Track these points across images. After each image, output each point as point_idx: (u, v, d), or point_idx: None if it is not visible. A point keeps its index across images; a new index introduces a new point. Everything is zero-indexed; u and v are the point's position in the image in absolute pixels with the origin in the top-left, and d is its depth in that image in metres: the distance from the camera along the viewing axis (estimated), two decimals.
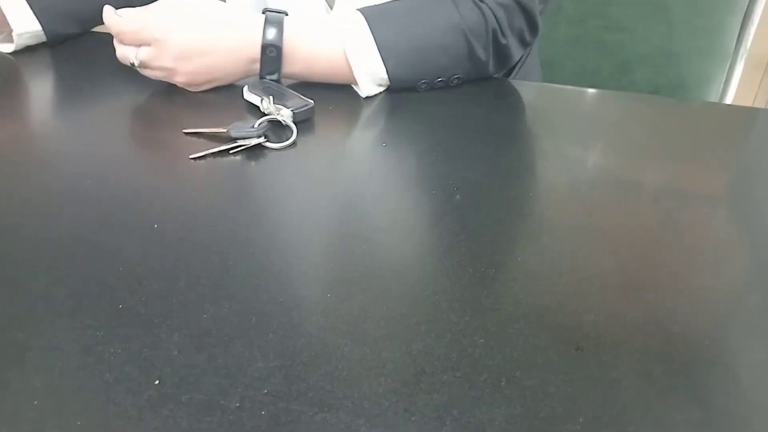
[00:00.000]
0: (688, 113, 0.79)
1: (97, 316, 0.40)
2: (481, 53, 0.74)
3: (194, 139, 0.63)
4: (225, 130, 0.62)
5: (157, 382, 0.36)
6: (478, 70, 0.76)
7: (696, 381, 0.38)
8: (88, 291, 0.43)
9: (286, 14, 0.71)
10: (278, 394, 0.35)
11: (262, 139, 0.61)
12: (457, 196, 0.55)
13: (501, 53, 0.76)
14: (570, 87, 0.83)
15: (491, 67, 0.76)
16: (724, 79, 1.24)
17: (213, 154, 0.60)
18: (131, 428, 0.33)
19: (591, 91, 0.81)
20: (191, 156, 0.60)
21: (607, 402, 0.36)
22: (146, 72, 0.71)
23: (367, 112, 0.71)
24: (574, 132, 0.70)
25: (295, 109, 0.65)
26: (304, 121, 0.66)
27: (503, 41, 0.74)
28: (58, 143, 0.64)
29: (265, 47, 0.70)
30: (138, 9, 0.68)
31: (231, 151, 0.60)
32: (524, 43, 0.78)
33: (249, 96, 0.69)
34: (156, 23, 0.68)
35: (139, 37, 0.68)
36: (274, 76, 0.72)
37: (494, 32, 0.73)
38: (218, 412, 0.34)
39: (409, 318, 0.41)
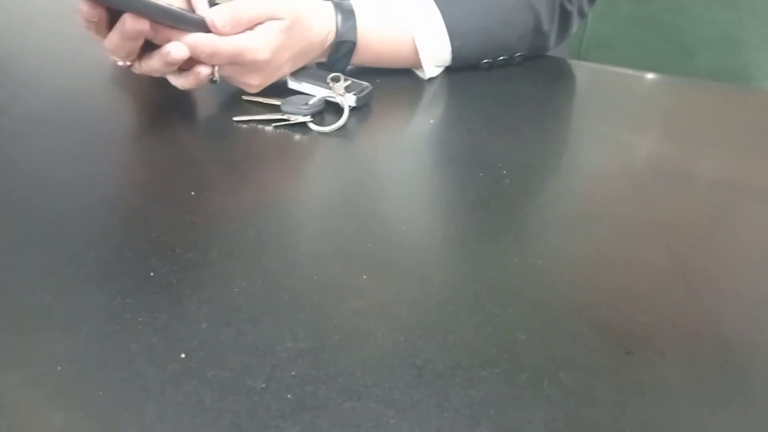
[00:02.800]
0: (754, 102, 0.74)
1: (127, 282, 0.39)
2: (546, 25, 0.71)
3: (247, 105, 0.62)
4: (280, 103, 0.60)
5: (183, 355, 0.35)
6: (541, 45, 0.73)
7: (755, 393, 0.35)
8: (119, 256, 0.42)
9: None
10: (306, 377, 0.34)
11: (308, 119, 0.59)
12: (506, 180, 0.52)
13: (564, 23, 0.73)
14: (629, 70, 0.79)
15: (552, 40, 0.73)
16: None
17: (257, 121, 0.59)
18: (153, 402, 0.32)
19: (651, 75, 0.77)
20: (235, 118, 0.59)
21: (657, 411, 0.33)
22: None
23: (417, 90, 0.68)
24: (632, 117, 0.66)
25: (358, 93, 0.62)
26: (365, 106, 0.63)
27: (569, 8, 0.72)
28: (96, 102, 0.63)
29: (340, 44, 0.65)
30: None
31: (274, 124, 0.59)
32: (582, 15, 0.75)
33: (295, 85, 0.64)
34: (258, 44, 0.57)
35: (237, 61, 0.57)
36: (341, 69, 0.67)
37: (562, 0, 0.71)
38: (243, 392, 0.33)
39: (448, 306, 0.39)
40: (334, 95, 0.61)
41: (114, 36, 0.51)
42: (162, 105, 0.62)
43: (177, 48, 0.52)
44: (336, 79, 0.61)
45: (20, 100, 0.61)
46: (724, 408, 0.34)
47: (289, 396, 0.33)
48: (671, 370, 0.36)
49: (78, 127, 0.57)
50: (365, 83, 0.63)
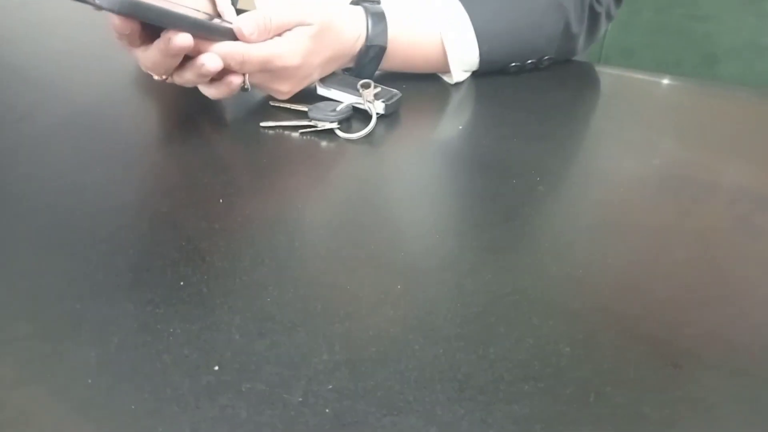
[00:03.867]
0: None
1: (158, 291, 0.39)
2: (575, 27, 0.70)
3: (275, 111, 0.61)
4: (307, 109, 0.59)
5: (216, 367, 0.34)
6: (570, 47, 0.72)
7: None
8: (149, 264, 0.41)
9: (379, 1, 0.65)
10: (344, 391, 0.33)
11: (335, 125, 0.58)
12: (540, 187, 0.51)
13: (593, 25, 0.73)
14: (657, 76, 0.77)
15: (581, 43, 0.72)
16: None
17: (284, 127, 0.58)
18: (187, 416, 0.31)
19: (680, 80, 0.76)
20: (262, 124, 0.58)
21: (707, 428, 0.32)
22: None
23: (444, 96, 0.67)
24: (663, 124, 0.65)
25: (387, 101, 0.61)
26: (393, 113, 0.62)
27: (598, 9, 0.71)
28: (121, 107, 0.62)
29: (369, 48, 0.64)
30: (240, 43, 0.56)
31: (301, 130, 0.58)
32: (609, 18, 0.75)
33: (324, 91, 0.64)
34: (287, 50, 0.57)
35: (268, 67, 0.57)
36: (369, 74, 0.66)
37: (591, 1, 0.70)
38: (280, 405, 0.32)
39: (486, 317, 0.38)
40: (362, 102, 0.60)
41: (154, 53, 0.51)
42: (188, 110, 0.62)
43: (211, 59, 0.52)
44: (366, 86, 0.60)
45: (41, 107, 0.61)
46: None
47: (327, 410, 0.32)
48: (721, 384, 0.34)
49: (103, 133, 0.57)
50: (395, 90, 0.62)
